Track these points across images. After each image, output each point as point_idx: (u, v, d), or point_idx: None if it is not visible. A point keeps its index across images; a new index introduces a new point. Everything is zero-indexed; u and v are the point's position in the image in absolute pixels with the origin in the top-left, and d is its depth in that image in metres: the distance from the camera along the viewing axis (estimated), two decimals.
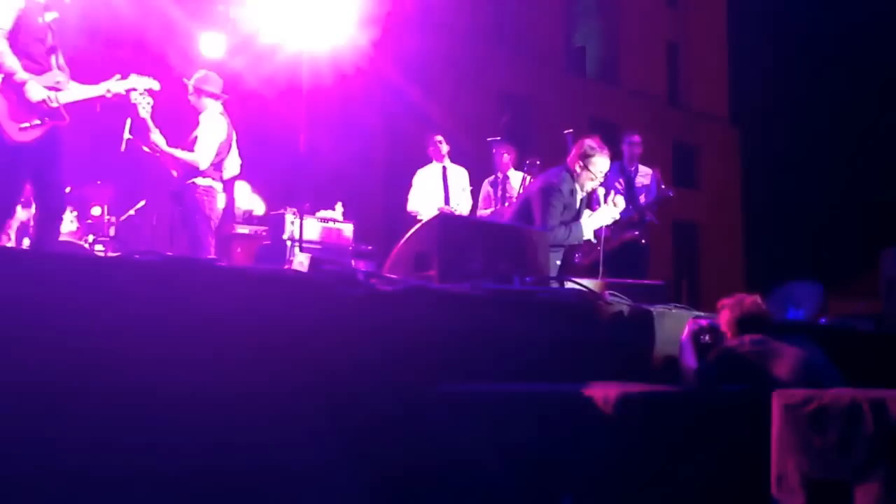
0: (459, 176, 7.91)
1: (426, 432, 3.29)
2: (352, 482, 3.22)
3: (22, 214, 7.30)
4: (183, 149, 5.84)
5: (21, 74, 4.52)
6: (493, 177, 7.90)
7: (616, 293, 4.67)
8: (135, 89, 5.13)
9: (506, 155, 7.75)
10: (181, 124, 5.84)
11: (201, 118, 5.94)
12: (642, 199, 7.72)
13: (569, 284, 4.80)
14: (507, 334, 3.88)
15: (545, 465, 3.00)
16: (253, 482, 3.05)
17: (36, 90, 4.55)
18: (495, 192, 7.76)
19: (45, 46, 4.67)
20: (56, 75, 4.69)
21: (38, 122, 4.60)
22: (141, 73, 5.14)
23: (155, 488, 2.82)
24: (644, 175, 7.87)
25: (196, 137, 5.88)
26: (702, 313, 4.81)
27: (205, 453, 2.94)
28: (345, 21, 7.30)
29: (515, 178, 7.68)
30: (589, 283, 4.79)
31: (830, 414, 2.60)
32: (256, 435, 3.08)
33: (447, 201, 7.73)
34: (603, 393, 2.90)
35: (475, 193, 8.05)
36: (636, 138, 7.91)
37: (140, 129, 5.52)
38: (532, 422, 3.08)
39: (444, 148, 7.83)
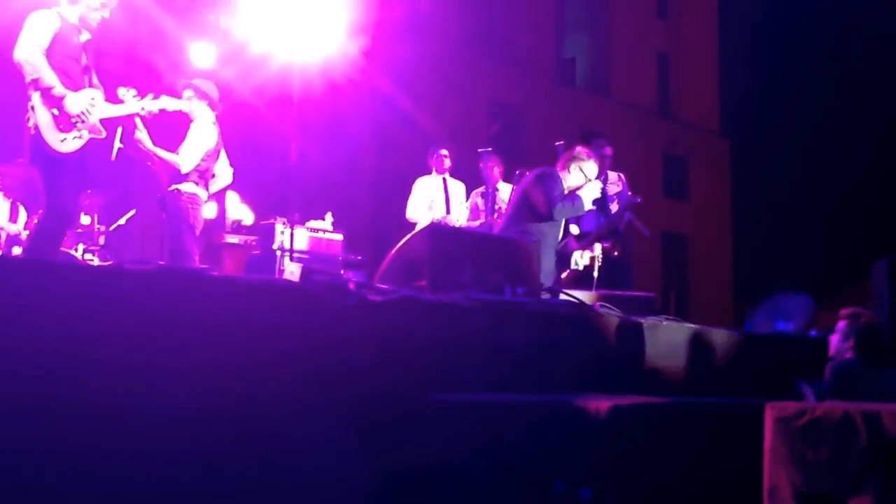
0: (458, 190, 7.92)
1: (417, 441, 3.29)
2: (343, 490, 3.22)
3: (10, 227, 7.26)
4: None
5: (59, 89, 4.68)
6: (482, 188, 7.90)
7: (607, 305, 4.69)
8: (165, 109, 5.33)
9: (495, 168, 7.77)
10: (172, 133, 5.79)
11: (192, 126, 5.86)
12: (614, 207, 7.68)
13: (560, 296, 4.82)
14: (499, 345, 3.89)
15: (536, 475, 2.99)
16: (241, 489, 3.04)
17: (75, 104, 4.73)
18: (485, 204, 7.76)
19: (80, 65, 4.86)
20: (91, 93, 4.87)
21: (77, 134, 4.76)
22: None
23: (148, 493, 2.81)
24: (614, 182, 7.87)
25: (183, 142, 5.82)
26: (694, 325, 4.84)
27: (195, 460, 2.94)
28: (335, 31, 7.30)
29: (505, 191, 7.68)
30: (580, 294, 4.80)
31: (823, 427, 2.60)
32: (248, 442, 3.08)
33: (448, 212, 7.72)
34: (594, 404, 2.90)
35: None
36: (608, 150, 7.94)
37: (127, 127, 5.48)
38: (523, 432, 3.08)
39: (447, 163, 7.84)
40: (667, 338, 4.58)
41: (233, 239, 7.62)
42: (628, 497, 2.82)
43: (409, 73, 13.58)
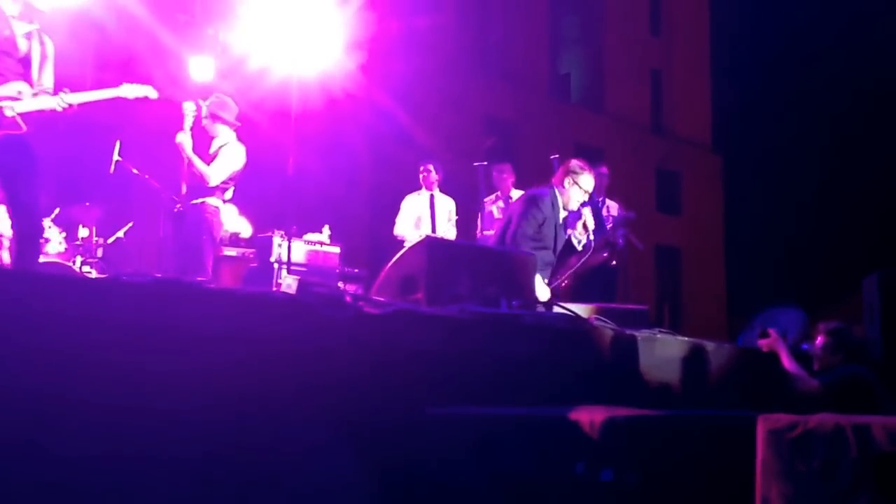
0: (447, 205, 7.96)
1: (413, 454, 3.30)
2: (339, 502, 3.23)
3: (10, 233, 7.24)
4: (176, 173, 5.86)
5: None
6: (493, 196, 7.95)
7: (601, 318, 4.73)
8: (95, 101, 4.94)
9: (507, 176, 7.84)
10: (170, 148, 5.83)
11: (220, 142, 5.99)
12: (606, 225, 7.83)
13: (555, 309, 4.86)
14: (494, 357, 3.91)
15: (531, 488, 3.01)
16: (240, 497, 3.06)
17: None
18: (502, 212, 7.80)
19: (13, 58, 4.63)
20: (17, 86, 4.61)
21: None
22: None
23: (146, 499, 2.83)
24: (607, 207, 7.98)
25: (214, 156, 5.94)
26: (687, 338, 4.88)
27: (191, 470, 2.96)
28: (333, 46, 7.36)
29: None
30: (576, 307, 4.84)
31: (815, 439, 2.61)
32: (245, 453, 3.09)
33: (433, 230, 7.77)
34: (589, 416, 2.92)
35: (473, 215, 8.10)
36: (604, 170, 8.05)
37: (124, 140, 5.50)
38: (518, 445, 3.09)
39: (434, 177, 7.89)
40: (661, 351, 4.62)
41: (230, 251, 7.62)
42: None
43: (406, 87, 13.65)
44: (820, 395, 4.51)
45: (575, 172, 5.73)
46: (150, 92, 5.14)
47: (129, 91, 5.05)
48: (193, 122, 5.74)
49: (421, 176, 7.91)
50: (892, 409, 4.28)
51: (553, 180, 5.81)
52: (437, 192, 7.93)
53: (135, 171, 6.04)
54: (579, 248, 5.88)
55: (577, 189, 5.71)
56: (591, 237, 5.86)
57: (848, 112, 22.85)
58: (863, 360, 4.73)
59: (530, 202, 5.70)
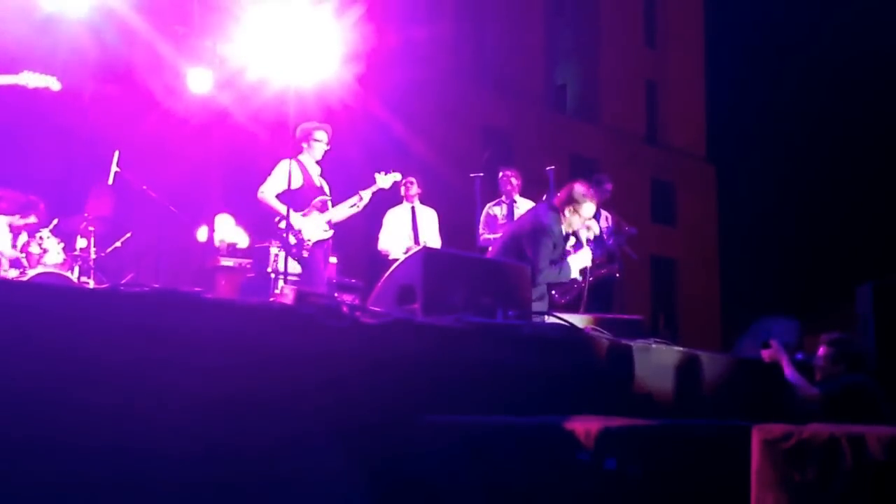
0: (428, 217, 8.01)
1: (408, 462, 3.32)
2: None
3: (9, 252, 7.24)
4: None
5: None
6: (497, 200, 7.97)
7: (597, 328, 4.75)
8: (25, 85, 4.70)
9: (513, 180, 7.85)
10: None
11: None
12: (605, 237, 7.85)
13: (550, 319, 4.88)
14: (490, 367, 3.93)
15: (526, 497, 3.03)
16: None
17: None
18: (506, 217, 7.82)
19: None
20: None
21: None
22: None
23: None
24: (605, 218, 8.00)
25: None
26: (683, 348, 4.91)
27: (189, 475, 2.97)
28: (331, 57, 7.39)
29: (524, 204, 7.74)
30: (571, 317, 4.86)
31: (810, 449, 2.61)
32: (241, 461, 3.10)
33: (416, 241, 7.80)
34: (584, 426, 2.94)
35: (469, 225, 8.13)
36: (608, 186, 8.03)
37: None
38: (514, 454, 3.10)
39: (414, 189, 7.94)
40: (656, 361, 4.64)
41: (227, 262, 7.63)
42: None
43: (403, 98, 13.70)
44: (822, 404, 4.55)
45: (576, 201, 5.60)
46: (51, 83, 4.84)
47: (30, 79, 4.76)
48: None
49: (402, 189, 7.97)
50: (893, 419, 4.30)
51: (555, 200, 5.72)
52: (417, 204, 7.98)
53: (135, 183, 6.03)
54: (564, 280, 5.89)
55: (576, 218, 5.67)
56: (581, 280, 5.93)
57: (841, 122, 22.97)
58: (865, 370, 4.78)
59: (538, 234, 5.55)
